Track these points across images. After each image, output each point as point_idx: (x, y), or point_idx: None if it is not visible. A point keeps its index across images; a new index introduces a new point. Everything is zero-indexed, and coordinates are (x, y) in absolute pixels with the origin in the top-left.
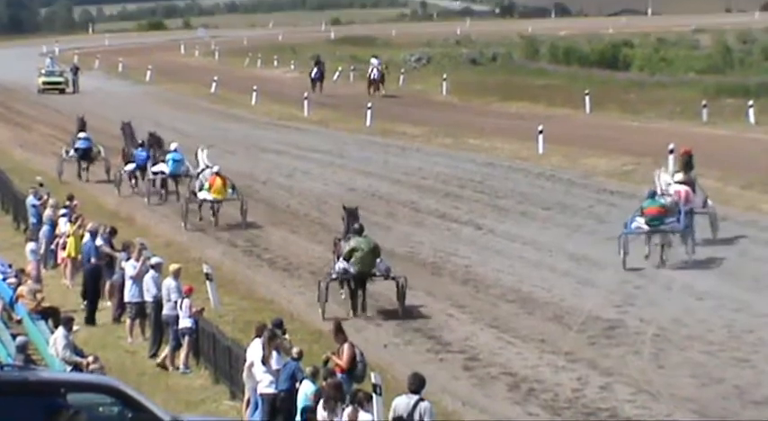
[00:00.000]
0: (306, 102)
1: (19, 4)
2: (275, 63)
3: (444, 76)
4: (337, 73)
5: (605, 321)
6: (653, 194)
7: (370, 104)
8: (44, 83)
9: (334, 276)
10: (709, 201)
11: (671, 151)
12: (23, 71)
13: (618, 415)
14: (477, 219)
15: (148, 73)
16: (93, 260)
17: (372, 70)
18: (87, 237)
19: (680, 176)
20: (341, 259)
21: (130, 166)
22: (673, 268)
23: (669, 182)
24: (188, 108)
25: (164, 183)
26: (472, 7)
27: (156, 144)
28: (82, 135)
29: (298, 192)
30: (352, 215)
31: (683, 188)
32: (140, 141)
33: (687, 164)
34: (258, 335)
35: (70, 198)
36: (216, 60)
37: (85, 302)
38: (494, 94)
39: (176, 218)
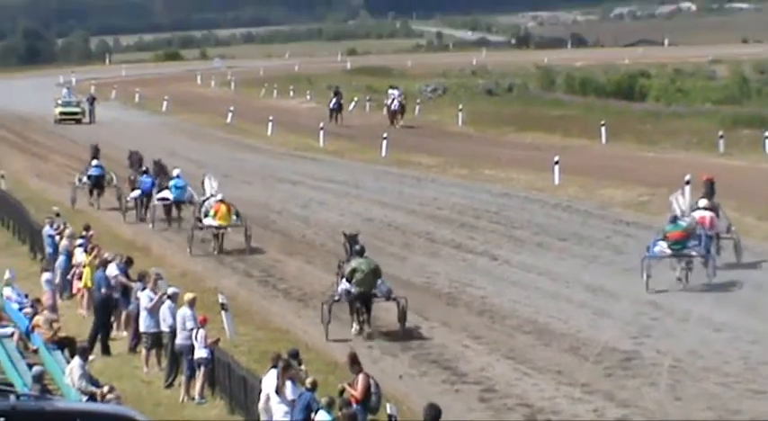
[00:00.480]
0: (321, 132)
1: (36, 34)
2: (291, 93)
3: (460, 106)
4: (353, 103)
5: (622, 352)
6: (675, 219)
7: (385, 135)
8: (61, 113)
9: (336, 298)
10: (733, 227)
11: (687, 182)
12: (40, 101)
13: None
14: (493, 250)
15: (165, 103)
16: (103, 290)
17: (393, 101)
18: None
19: (704, 202)
20: (343, 280)
21: (136, 193)
22: (689, 298)
23: (687, 206)
24: (204, 138)
25: (168, 210)
26: (488, 38)
27: (161, 171)
28: (95, 163)
29: (313, 223)
30: (352, 240)
31: (708, 214)
32: (144, 168)
33: (709, 190)
34: (273, 366)
35: (86, 228)
36: (232, 90)
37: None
38: (509, 124)
39: (201, 253)
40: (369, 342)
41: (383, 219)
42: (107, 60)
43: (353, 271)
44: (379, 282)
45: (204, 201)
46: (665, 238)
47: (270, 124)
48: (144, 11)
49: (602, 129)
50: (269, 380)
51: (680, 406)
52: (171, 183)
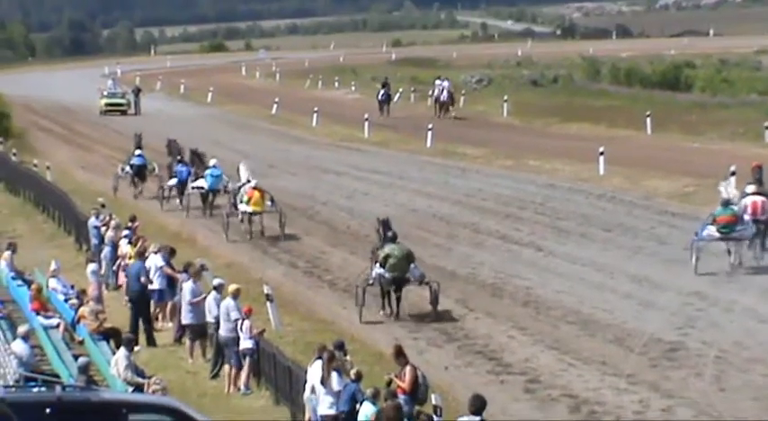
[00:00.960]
0: (366, 123)
1: (81, 26)
2: (336, 84)
3: (505, 97)
4: (398, 94)
5: (667, 343)
6: (726, 203)
7: (430, 126)
8: (106, 104)
9: (370, 282)
10: None
11: (732, 173)
12: (85, 92)
13: None
14: (538, 241)
15: (210, 94)
16: (143, 279)
17: (443, 91)
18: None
19: (752, 188)
20: (377, 265)
21: (173, 181)
22: (735, 289)
23: (734, 194)
24: (249, 129)
25: (204, 198)
26: (533, 28)
27: (197, 160)
28: (137, 152)
29: (358, 214)
30: (385, 225)
31: (759, 199)
32: (180, 157)
33: (758, 177)
34: (319, 357)
35: (132, 219)
36: (277, 82)
37: (145, 324)
38: (554, 115)
39: (238, 239)
40: (414, 334)
41: (428, 210)
42: (152, 51)
43: (387, 256)
44: (412, 266)
45: (239, 187)
46: (714, 222)
47: (315, 115)
48: (189, 2)
49: (648, 119)
50: (314, 370)
51: (725, 396)
52: (207, 171)
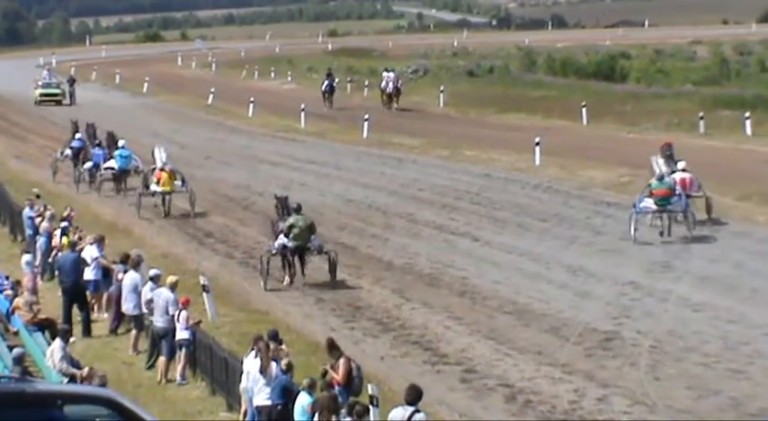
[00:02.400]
0: (303, 113)
1: (16, 15)
2: (272, 75)
3: (441, 87)
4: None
5: (602, 333)
6: (661, 177)
7: (366, 116)
8: (41, 94)
9: (273, 251)
10: (701, 185)
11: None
12: (20, 82)
13: None
14: (474, 231)
15: (145, 84)
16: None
17: (388, 83)
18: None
19: (682, 165)
20: (281, 235)
21: (88, 164)
22: (669, 279)
23: (666, 169)
24: (185, 119)
25: (116, 178)
26: (469, 19)
27: (112, 143)
28: (78, 136)
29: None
30: (283, 201)
31: (688, 175)
32: (98, 141)
33: (670, 153)
34: (254, 347)
35: (71, 209)
36: (213, 72)
37: (82, 314)
38: (491, 105)
39: (173, 229)
40: (350, 324)
41: (364, 200)
42: (87, 42)
43: (291, 226)
44: (313, 237)
45: (152, 169)
46: (651, 195)
47: (251, 105)
48: None
49: (583, 110)
50: (250, 361)
51: (660, 386)
52: (116, 152)
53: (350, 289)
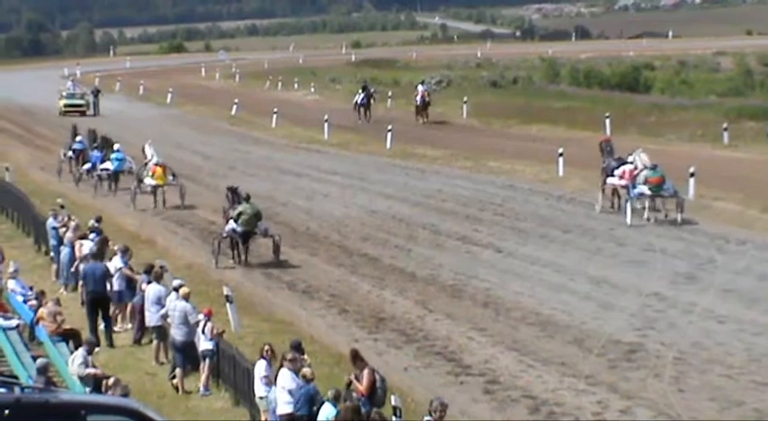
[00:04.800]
0: (326, 124)
1: (40, 26)
2: (295, 86)
3: (465, 98)
4: (357, 95)
5: (626, 345)
6: (654, 167)
7: (390, 127)
8: (65, 105)
9: (224, 235)
10: None
11: (692, 174)
12: (45, 93)
13: None
14: (498, 242)
15: (169, 95)
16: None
17: (416, 96)
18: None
19: (632, 158)
20: (230, 221)
21: (87, 166)
22: (693, 291)
23: (647, 161)
24: (209, 130)
25: (112, 178)
26: (492, 30)
27: (108, 146)
28: (78, 139)
29: (317, 215)
30: (233, 191)
31: (631, 166)
32: (95, 144)
33: (610, 149)
34: (263, 356)
35: (98, 220)
36: (236, 83)
37: (104, 324)
38: (514, 116)
39: (197, 240)
40: (374, 335)
41: (387, 212)
42: (111, 52)
43: (240, 213)
44: (260, 223)
45: (145, 164)
46: (646, 182)
47: (274, 116)
48: (148, 3)
49: (607, 121)
50: (259, 369)
51: (683, 397)
52: (112, 155)
53: (373, 298)
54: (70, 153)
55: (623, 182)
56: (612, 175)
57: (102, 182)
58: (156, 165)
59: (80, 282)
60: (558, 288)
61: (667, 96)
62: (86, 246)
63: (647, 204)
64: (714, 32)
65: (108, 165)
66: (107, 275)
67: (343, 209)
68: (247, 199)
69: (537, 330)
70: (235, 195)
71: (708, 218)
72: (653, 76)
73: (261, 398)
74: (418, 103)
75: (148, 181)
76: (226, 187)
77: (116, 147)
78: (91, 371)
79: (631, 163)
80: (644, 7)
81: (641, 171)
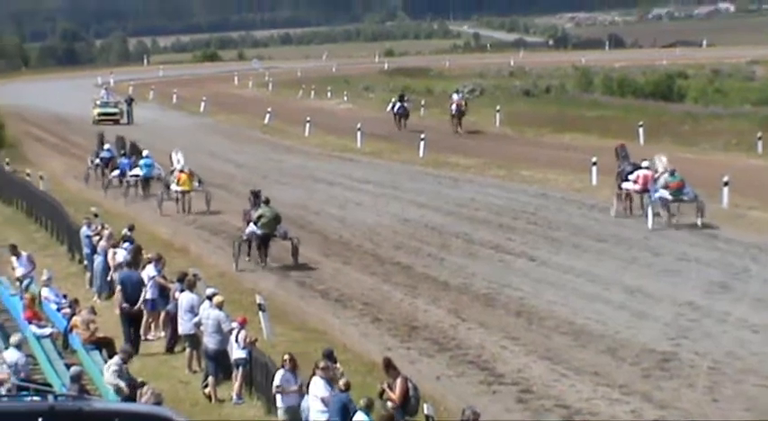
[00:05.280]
0: (359, 133)
1: (74, 35)
2: (328, 94)
3: (497, 107)
4: (391, 104)
5: (660, 354)
6: (673, 172)
7: (423, 136)
8: (99, 114)
9: (245, 238)
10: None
11: (726, 183)
12: (79, 102)
13: None
14: (531, 251)
15: (202, 104)
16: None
17: (452, 105)
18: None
19: (646, 163)
20: (251, 224)
21: (116, 172)
22: (727, 301)
23: (667, 166)
24: (242, 139)
25: (141, 185)
26: (525, 39)
27: (136, 153)
28: (106, 146)
29: (350, 224)
30: (255, 195)
31: (649, 172)
32: (123, 151)
33: (625, 154)
34: (282, 366)
35: (131, 228)
36: (269, 92)
37: (135, 333)
38: (547, 125)
39: (230, 249)
40: (406, 343)
41: (420, 220)
42: (145, 61)
43: (260, 216)
44: (279, 226)
45: (172, 171)
46: (666, 187)
47: (307, 125)
48: (182, 12)
49: (640, 130)
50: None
51: (718, 407)
52: (141, 161)
53: (405, 307)
54: (98, 161)
55: (637, 187)
56: (627, 180)
57: (131, 188)
58: (182, 171)
59: (117, 289)
60: (591, 297)
61: (701, 105)
62: (120, 255)
63: (668, 209)
64: (748, 41)
65: (137, 171)
66: (142, 284)
67: (376, 217)
68: (267, 202)
69: (570, 339)
70: (257, 198)
71: (742, 227)
72: (687, 84)
73: (279, 407)
74: (453, 111)
75: (174, 187)
76: (250, 191)
77: (145, 153)
78: (122, 383)
79: (646, 168)
80: (678, 16)
81: (661, 175)
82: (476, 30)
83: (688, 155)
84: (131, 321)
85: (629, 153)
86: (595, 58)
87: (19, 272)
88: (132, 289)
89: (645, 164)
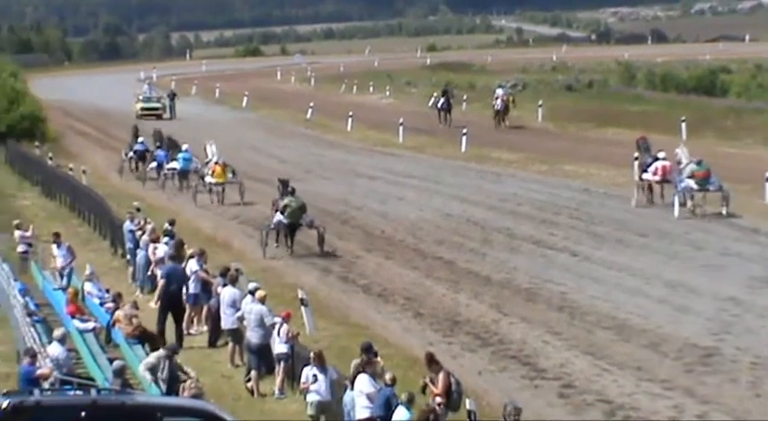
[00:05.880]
0: (401, 128)
1: (117, 30)
2: (371, 89)
3: (540, 102)
4: (432, 98)
5: (702, 349)
6: (699, 162)
7: (465, 130)
8: (142, 109)
9: (272, 226)
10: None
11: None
12: (121, 97)
13: None
14: (573, 246)
15: (245, 99)
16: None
17: (497, 100)
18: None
19: (663, 154)
20: (278, 213)
21: (153, 164)
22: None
23: (688, 158)
24: (284, 134)
25: (178, 177)
26: (568, 33)
27: (173, 146)
28: (140, 140)
29: (392, 218)
30: (284, 184)
31: (668, 163)
32: (159, 144)
33: (647, 146)
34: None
35: (172, 222)
36: (312, 86)
37: (177, 327)
38: (589, 120)
39: (271, 243)
40: (448, 338)
41: (462, 215)
42: (188, 56)
43: (286, 206)
44: (305, 215)
45: (206, 163)
46: (692, 176)
47: (349, 120)
48: (225, 7)
49: (683, 124)
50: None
51: (761, 403)
52: (179, 155)
53: (447, 302)
54: (131, 153)
55: (657, 177)
56: (647, 171)
57: (168, 181)
58: (216, 163)
59: (161, 282)
60: (633, 292)
61: (744, 100)
62: (160, 250)
63: (693, 198)
64: None
65: (174, 164)
66: (185, 278)
67: (418, 212)
68: (293, 192)
69: (612, 334)
70: (285, 188)
71: None
72: (730, 79)
73: (307, 403)
74: (499, 107)
75: (209, 179)
76: (278, 179)
77: (184, 147)
78: (149, 376)
79: (663, 159)
80: (721, 11)
81: (687, 165)
82: (518, 24)
83: (731, 149)
84: (167, 311)
85: (650, 145)
86: (638, 52)
87: (59, 262)
88: (177, 282)
89: (661, 155)
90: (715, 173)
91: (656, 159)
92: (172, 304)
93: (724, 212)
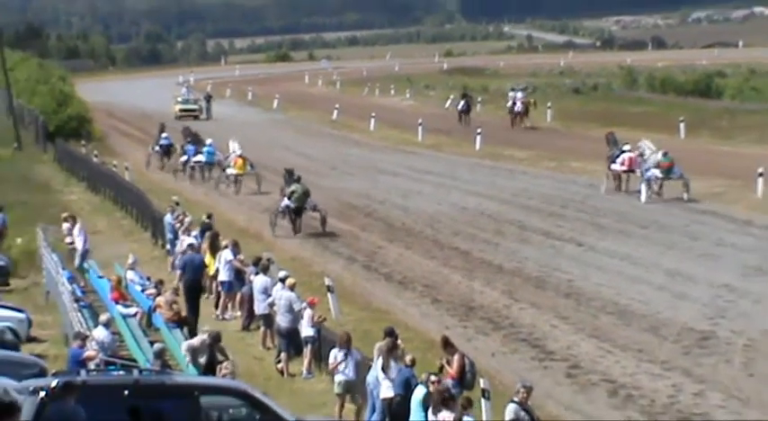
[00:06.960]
0: (420, 128)
1: (158, 37)
2: (392, 92)
3: (549, 104)
4: (449, 100)
5: (698, 332)
6: (665, 154)
7: (479, 130)
8: (180, 110)
9: (280, 210)
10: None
11: (760, 174)
12: (161, 99)
13: (711, 419)
14: (579, 237)
15: (275, 101)
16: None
17: (516, 103)
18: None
19: (628, 146)
20: (284, 198)
21: (183, 158)
22: (763, 282)
23: (653, 148)
24: (312, 133)
25: (202, 169)
26: (575, 40)
27: (199, 142)
28: (165, 135)
29: (412, 212)
30: (289, 173)
31: (632, 154)
32: (188, 139)
33: (615, 140)
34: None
35: (209, 216)
36: (337, 89)
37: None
38: (595, 120)
39: (300, 234)
40: (464, 322)
41: (477, 208)
42: (223, 61)
43: (293, 192)
44: (309, 199)
45: (227, 156)
46: (658, 166)
47: (372, 120)
48: (257, 16)
49: (681, 125)
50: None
51: (753, 381)
52: (204, 149)
53: (463, 289)
54: (157, 148)
55: (624, 167)
56: (615, 162)
57: (195, 172)
58: (238, 156)
59: (178, 272)
60: (635, 279)
61: (738, 102)
62: (186, 241)
63: (658, 186)
64: None
65: (200, 157)
66: (204, 266)
67: (436, 206)
68: (298, 180)
69: (615, 319)
70: (290, 176)
71: None
72: (724, 83)
73: (335, 382)
74: (518, 109)
75: (230, 170)
76: (284, 169)
77: (208, 142)
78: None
79: (629, 151)
80: (716, 19)
81: (651, 155)
82: (529, 32)
83: (725, 148)
84: (194, 297)
85: (617, 139)
86: (639, 58)
87: (79, 243)
88: (193, 271)
89: (626, 148)
90: (678, 163)
91: (623, 152)
92: (193, 290)
93: (685, 197)
